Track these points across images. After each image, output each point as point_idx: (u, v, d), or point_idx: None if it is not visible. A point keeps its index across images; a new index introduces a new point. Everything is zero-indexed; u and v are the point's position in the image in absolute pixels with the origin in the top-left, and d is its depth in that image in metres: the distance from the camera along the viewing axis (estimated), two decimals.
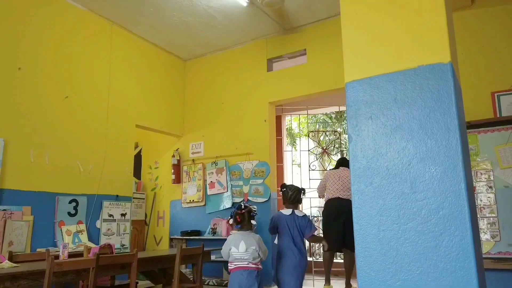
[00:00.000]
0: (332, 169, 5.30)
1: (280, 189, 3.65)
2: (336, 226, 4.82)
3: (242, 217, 2.99)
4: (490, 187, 4.16)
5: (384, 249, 1.50)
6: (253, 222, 3.05)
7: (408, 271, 1.44)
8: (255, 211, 3.16)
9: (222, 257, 5.36)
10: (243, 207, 3.08)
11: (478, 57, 4.40)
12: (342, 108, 6.94)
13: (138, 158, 6.94)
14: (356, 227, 1.56)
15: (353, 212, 1.58)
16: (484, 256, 3.90)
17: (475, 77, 4.30)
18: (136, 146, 6.87)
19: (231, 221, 3.18)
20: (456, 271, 1.36)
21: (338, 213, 4.87)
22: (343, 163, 5.29)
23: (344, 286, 4.92)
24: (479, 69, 4.37)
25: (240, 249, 2.97)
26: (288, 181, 7.27)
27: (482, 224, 4.09)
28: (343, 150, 7.01)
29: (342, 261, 5.71)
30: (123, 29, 5.74)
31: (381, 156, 1.56)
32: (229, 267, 3.06)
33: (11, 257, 3.20)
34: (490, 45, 4.40)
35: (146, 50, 6.14)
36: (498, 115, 4.26)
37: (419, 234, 1.44)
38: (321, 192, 5.28)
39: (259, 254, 3.00)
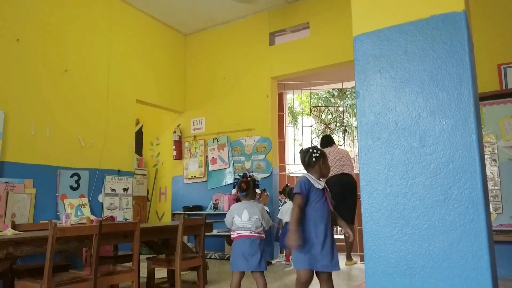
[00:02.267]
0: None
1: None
2: (347, 201, 4.85)
3: (247, 184, 2.98)
4: (494, 160, 4.13)
5: (391, 204, 1.47)
6: (257, 190, 3.04)
7: (415, 225, 1.42)
8: (258, 181, 3.15)
9: (224, 231, 5.44)
10: (248, 175, 3.08)
11: (486, 29, 4.30)
12: (346, 85, 6.86)
13: (139, 135, 6.91)
14: (362, 183, 1.54)
15: (360, 169, 1.55)
16: None
17: (482, 48, 4.21)
18: (137, 123, 6.83)
19: (233, 191, 3.17)
20: (465, 224, 1.34)
21: (349, 189, 4.92)
22: (330, 141, 5.24)
23: (345, 260, 4.96)
24: (486, 40, 4.28)
25: (243, 218, 2.97)
26: (289, 157, 7.25)
27: None
28: (346, 126, 6.96)
29: (342, 236, 5.75)
30: (122, 1, 5.62)
31: (389, 110, 1.52)
32: (232, 236, 3.07)
33: (14, 227, 3.21)
34: (498, 16, 4.29)
35: (146, 24, 6.03)
36: (504, 88, 4.20)
37: (427, 188, 1.41)
38: None
39: (262, 224, 3.00)
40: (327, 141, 5.26)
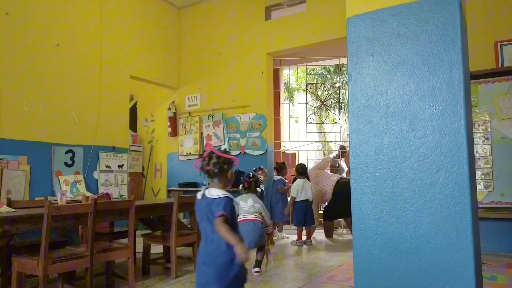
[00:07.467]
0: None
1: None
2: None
3: (249, 184, 3.46)
4: (487, 138, 4.16)
5: (380, 187, 1.50)
6: (258, 189, 3.44)
7: (402, 208, 1.45)
8: (261, 180, 3.55)
9: None
10: (251, 175, 3.53)
11: (484, 5, 4.23)
12: (342, 61, 6.79)
13: (133, 111, 6.87)
14: (352, 165, 1.56)
15: (350, 152, 1.57)
16: None
17: (479, 25, 4.16)
18: (131, 99, 6.77)
19: (240, 187, 3.54)
20: (451, 207, 1.37)
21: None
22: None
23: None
24: (483, 17, 4.22)
25: (248, 203, 3.33)
26: (285, 134, 7.26)
27: (476, 175, 4.11)
28: (342, 103, 6.94)
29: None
30: None
31: (380, 94, 1.52)
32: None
33: (10, 204, 3.22)
34: None
35: None
36: (500, 66, 4.18)
37: (415, 172, 1.43)
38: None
39: (262, 213, 3.25)
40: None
